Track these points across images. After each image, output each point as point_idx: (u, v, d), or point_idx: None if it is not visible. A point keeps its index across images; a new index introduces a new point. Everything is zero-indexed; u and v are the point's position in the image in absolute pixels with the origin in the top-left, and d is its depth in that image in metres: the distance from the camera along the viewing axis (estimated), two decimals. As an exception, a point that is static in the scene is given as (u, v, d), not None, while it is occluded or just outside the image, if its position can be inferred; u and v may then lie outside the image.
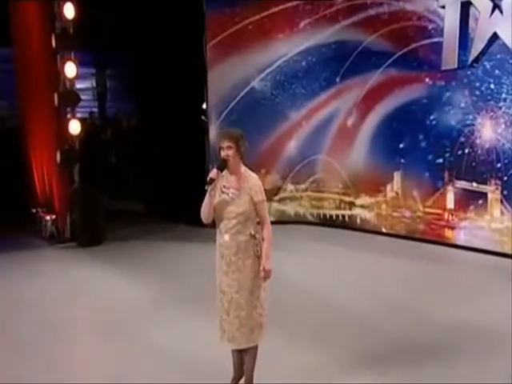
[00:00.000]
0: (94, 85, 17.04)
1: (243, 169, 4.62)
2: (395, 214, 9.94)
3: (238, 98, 10.74)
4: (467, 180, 8.94)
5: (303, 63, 10.73)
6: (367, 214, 10.31)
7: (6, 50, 11.69)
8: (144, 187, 12.56)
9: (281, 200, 11.06)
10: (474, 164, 8.86)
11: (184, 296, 7.30)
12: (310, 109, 10.79)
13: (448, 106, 9.12)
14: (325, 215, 10.91)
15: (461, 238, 9.13)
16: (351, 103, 10.36)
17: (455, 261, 8.69)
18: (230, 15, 10.62)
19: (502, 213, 8.58)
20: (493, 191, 8.64)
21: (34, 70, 10.39)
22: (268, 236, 4.57)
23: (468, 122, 8.90)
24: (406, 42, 9.48)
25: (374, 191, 10.18)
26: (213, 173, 4.51)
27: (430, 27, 9.21)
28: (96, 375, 5.43)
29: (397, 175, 9.85)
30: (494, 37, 8.46)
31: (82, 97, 10.72)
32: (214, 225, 4.70)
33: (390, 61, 9.68)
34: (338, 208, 10.73)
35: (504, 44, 8.35)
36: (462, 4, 8.75)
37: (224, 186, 4.57)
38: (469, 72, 8.82)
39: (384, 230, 10.12)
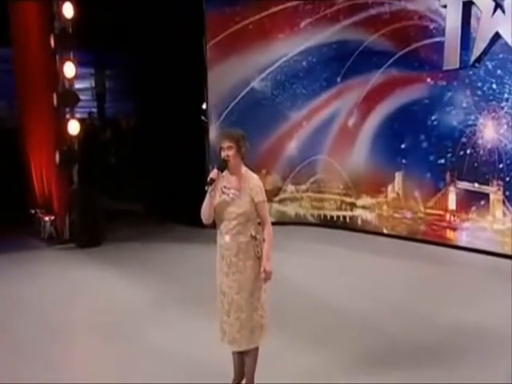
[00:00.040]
0: (94, 85, 17.01)
1: (244, 169, 4.61)
2: (396, 215, 9.90)
3: (239, 98, 10.71)
4: (469, 181, 8.90)
5: (304, 63, 10.70)
6: (368, 215, 10.27)
7: (5, 50, 11.67)
8: (144, 188, 12.54)
9: (281, 201, 11.02)
10: (475, 165, 8.82)
11: (184, 297, 7.27)
12: (311, 109, 10.77)
13: (450, 107, 9.08)
14: (325, 216, 10.87)
15: (463, 239, 9.09)
16: (352, 103, 10.33)
17: (457, 262, 8.66)
18: (230, 15, 10.60)
19: (504, 214, 8.54)
20: (495, 192, 8.61)
21: (33, 70, 10.37)
22: (269, 237, 4.56)
23: (470, 123, 8.86)
24: (408, 41, 9.45)
25: (375, 192, 10.14)
26: (213, 173, 4.49)
27: (431, 27, 9.17)
28: (95, 376, 5.39)
29: (398, 176, 9.81)
30: (496, 36, 8.43)
31: (81, 97, 10.76)
32: (214, 226, 4.68)
33: (391, 61, 9.65)
34: (339, 209, 10.69)
35: (506, 44, 8.32)
36: (464, 3, 8.73)
37: (224, 187, 4.55)
38: (471, 72, 8.79)
39: (385, 231, 10.08)
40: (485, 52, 8.57)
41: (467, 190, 8.94)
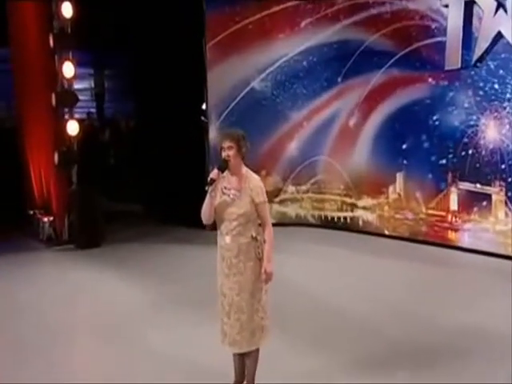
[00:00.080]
0: (93, 85, 17.00)
1: (244, 169, 4.58)
2: (398, 216, 9.86)
3: (239, 98, 10.68)
4: (471, 181, 8.86)
5: (304, 63, 10.67)
6: (369, 216, 10.23)
7: (4, 49, 11.61)
8: (143, 188, 12.52)
9: (282, 202, 10.98)
10: (477, 165, 8.78)
11: (184, 299, 7.24)
12: (311, 109, 10.73)
13: (451, 107, 9.04)
14: (326, 217, 10.83)
15: (464, 240, 9.05)
16: (353, 103, 10.29)
17: (459, 263, 8.63)
18: (230, 15, 10.56)
19: (506, 215, 8.50)
20: (497, 193, 8.56)
21: (32, 70, 10.34)
22: (269, 238, 4.53)
23: (472, 123, 8.82)
24: (409, 41, 9.41)
25: (376, 193, 10.10)
26: (213, 173, 4.46)
27: (432, 26, 9.14)
28: (94, 378, 5.38)
29: (399, 176, 9.77)
30: (498, 36, 8.39)
31: (80, 97, 10.72)
32: (214, 227, 4.65)
33: (392, 60, 9.62)
34: (340, 210, 10.64)
35: (508, 43, 8.28)
36: (466, 3, 8.69)
37: (225, 187, 4.53)
38: (472, 72, 8.75)
39: (386, 232, 10.03)
40: (487, 52, 8.53)
41: (469, 191, 8.89)
